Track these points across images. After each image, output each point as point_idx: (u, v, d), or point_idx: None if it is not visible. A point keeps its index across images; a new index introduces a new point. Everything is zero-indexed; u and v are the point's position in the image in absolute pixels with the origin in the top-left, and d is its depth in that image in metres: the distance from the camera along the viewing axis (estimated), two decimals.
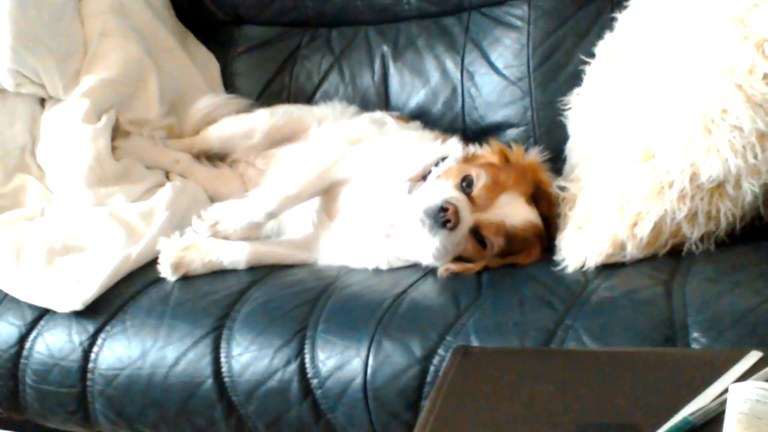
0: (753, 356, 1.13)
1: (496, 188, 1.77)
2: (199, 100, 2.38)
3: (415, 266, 1.82)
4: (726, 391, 1.05)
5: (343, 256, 1.90)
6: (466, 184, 1.77)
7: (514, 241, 1.77)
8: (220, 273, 1.87)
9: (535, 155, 1.91)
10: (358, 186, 1.94)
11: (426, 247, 1.75)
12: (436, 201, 1.72)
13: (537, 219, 1.82)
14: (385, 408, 1.57)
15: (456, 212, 1.71)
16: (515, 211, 1.78)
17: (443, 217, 1.71)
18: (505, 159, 1.88)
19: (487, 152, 1.91)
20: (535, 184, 1.84)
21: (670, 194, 1.65)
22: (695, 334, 1.45)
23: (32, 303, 1.83)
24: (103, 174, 2.08)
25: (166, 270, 1.86)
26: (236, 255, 1.88)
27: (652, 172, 1.67)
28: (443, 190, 1.76)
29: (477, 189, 1.76)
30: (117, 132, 2.20)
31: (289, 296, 1.74)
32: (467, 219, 1.73)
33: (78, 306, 1.78)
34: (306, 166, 1.98)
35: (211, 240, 1.90)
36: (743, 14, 1.62)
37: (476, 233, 1.75)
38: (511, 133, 2.25)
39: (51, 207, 2.10)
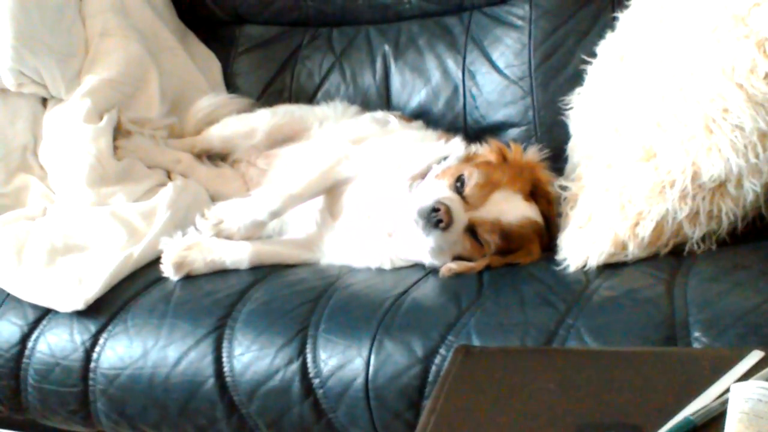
0: (754, 356, 1.13)
1: (488, 186, 1.77)
2: (200, 100, 2.38)
3: (417, 266, 1.82)
4: (727, 390, 1.05)
5: (346, 256, 1.90)
6: (460, 184, 1.77)
7: (511, 238, 1.77)
8: (221, 273, 1.87)
9: (534, 153, 1.91)
10: (362, 185, 1.94)
11: (422, 247, 1.75)
12: (428, 201, 1.72)
13: (536, 215, 1.82)
14: (387, 407, 1.58)
15: (448, 212, 1.71)
16: (510, 208, 1.78)
17: (435, 217, 1.71)
18: (503, 157, 1.88)
19: (486, 151, 1.92)
20: (532, 182, 1.84)
21: (672, 194, 1.65)
22: (696, 334, 1.45)
23: (34, 303, 1.83)
24: (104, 173, 2.08)
25: (168, 269, 1.86)
26: (238, 254, 1.88)
27: (653, 172, 1.67)
28: (437, 190, 1.77)
29: (469, 188, 1.76)
30: (118, 131, 2.19)
31: (290, 296, 1.74)
32: (461, 218, 1.73)
33: (80, 306, 1.78)
34: (309, 166, 1.98)
35: (213, 239, 1.90)
36: (744, 13, 1.62)
37: (473, 232, 1.75)
38: (513, 132, 2.25)
39: (53, 207, 2.10)
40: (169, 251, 1.88)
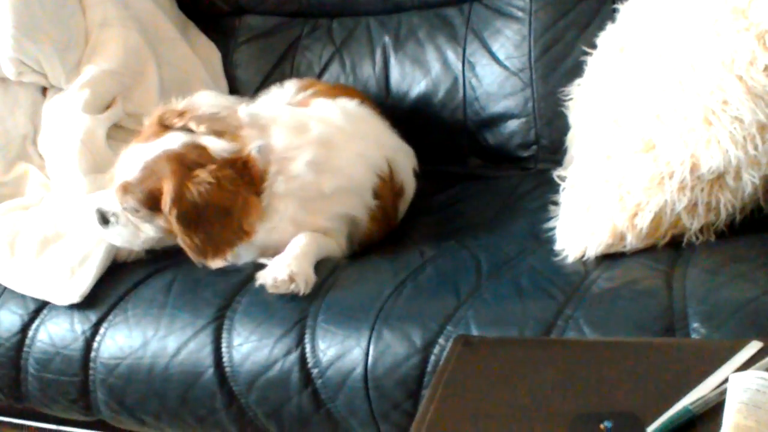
0: (753, 346, 1.14)
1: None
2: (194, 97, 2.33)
3: (414, 255, 1.81)
4: (726, 380, 1.05)
5: None
6: None
7: (145, 185, 1.75)
8: None
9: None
10: None
11: None
12: None
13: (167, 146, 1.75)
14: (386, 397, 1.58)
15: None
16: (128, 167, 1.78)
17: None
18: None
19: None
20: (158, 124, 1.80)
21: (670, 185, 1.65)
22: (695, 325, 1.45)
23: (30, 296, 1.83)
24: (99, 161, 2.07)
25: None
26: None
27: (652, 163, 1.67)
28: None
29: None
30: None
31: None
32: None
33: (76, 299, 1.78)
34: None
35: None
36: (744, 6, 1.62)
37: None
38: (512, 123, 2.25)
39: (49, 195, 2.10)
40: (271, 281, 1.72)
